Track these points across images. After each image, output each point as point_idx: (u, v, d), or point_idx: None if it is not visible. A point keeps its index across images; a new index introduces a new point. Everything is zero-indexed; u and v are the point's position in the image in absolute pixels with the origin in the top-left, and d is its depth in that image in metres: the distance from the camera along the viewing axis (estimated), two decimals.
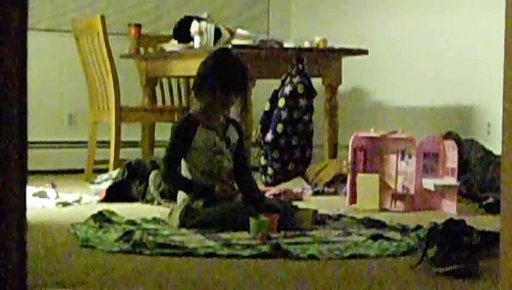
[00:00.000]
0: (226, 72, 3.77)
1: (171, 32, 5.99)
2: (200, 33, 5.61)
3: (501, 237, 1.77)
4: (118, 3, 6.94)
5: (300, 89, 5.17)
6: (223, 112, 3.85)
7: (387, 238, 3.33)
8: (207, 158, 3.78)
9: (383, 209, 4.43)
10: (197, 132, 3.77)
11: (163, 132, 6.30)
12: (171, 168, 3.78)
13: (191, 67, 5.38)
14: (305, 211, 3.72)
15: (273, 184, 5.18)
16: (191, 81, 6.06)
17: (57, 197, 4.73)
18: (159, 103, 6.46)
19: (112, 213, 3.91)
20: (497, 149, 4.85)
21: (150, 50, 6.29)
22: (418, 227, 3.58)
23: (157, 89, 6.44)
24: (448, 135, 4.94)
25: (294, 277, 2.70)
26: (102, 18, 5.65)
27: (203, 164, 3.78)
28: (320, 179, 5.32)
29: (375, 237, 3.32)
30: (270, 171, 5.19)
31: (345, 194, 4.72)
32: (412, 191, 4.48)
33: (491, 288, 2.52)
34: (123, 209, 4.20)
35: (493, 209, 4.30)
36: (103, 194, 4.74)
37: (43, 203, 4.54)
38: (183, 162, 3.80)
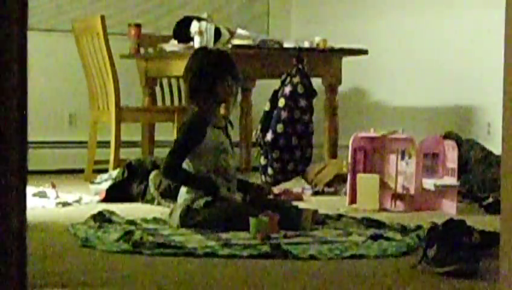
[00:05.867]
0: (214, 61, 3.83)
1: (171, 32, 5.99)
2: (200, 33, 5.61)
3: (501, 237, 1.77)
4: (118, 3, 6.94)
5: (300, 89, 5.17)
6: (230, 101, 3.86)
7: (387, 238, 3.32)
8: (215, 157, 3.77)
9: (383, 209, 4.43)
10: (207, 131, 3.77)
11: (163, 132, 6.32)
12: (176, 163, 3.75)
13: None
14: (305, 211, 3.72)
15: (273, 184, 5.18)
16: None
17: (57, 197, 4.72)
18: (159, 103, 6.46)
19: (112, 213, 3.91)
20: (497, 149, 4.85)
21: (150, 50, 6.29)
22: (418, 227, 3.58)
23: (157, 89, 6.44)
24: (448, 135, 4.94)
25: (294, 277, 2.70)
26: (102, 18, 5.65)
27: (210, 163, 3.77)
28: (320, 179, 5.31)
29: (375, 237, 3.32)
30: (270, 171, 5.19)
31: (345, 194, 4.72)
32: (412, 191, 4.47)
33: (491, 288, 2.52)
34: (123, 209, 4.20)
35: (493, 209, 4.30)
36: (103, 194, 4.74)
37: (43, 203, 4.54)
38: (189, 162, 3.78)
